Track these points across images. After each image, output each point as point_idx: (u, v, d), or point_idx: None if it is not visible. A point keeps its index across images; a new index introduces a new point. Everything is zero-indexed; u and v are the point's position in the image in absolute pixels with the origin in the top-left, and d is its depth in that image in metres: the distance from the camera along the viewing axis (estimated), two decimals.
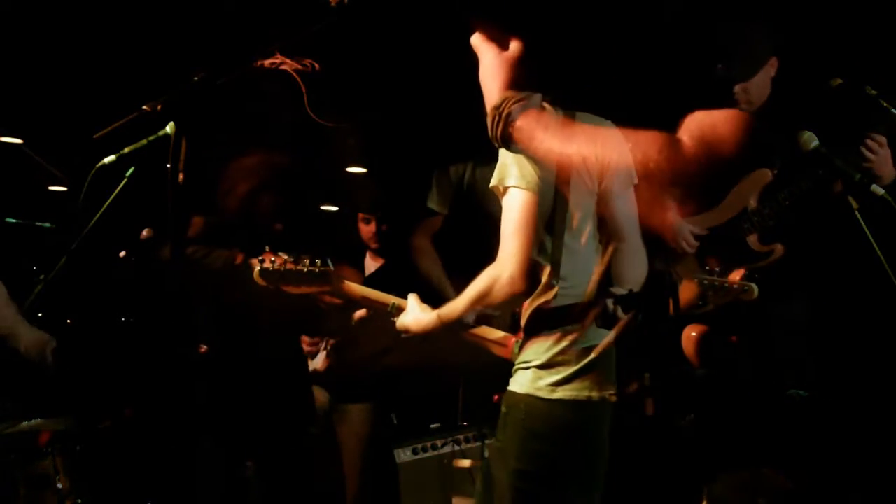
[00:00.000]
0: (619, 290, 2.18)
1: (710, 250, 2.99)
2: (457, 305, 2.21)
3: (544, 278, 2.15)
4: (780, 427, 3.01)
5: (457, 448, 3.90)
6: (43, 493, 3.06)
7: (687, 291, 2.65)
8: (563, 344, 2.13)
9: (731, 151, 1.05)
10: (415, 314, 2.36)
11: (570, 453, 2.12)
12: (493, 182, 2.12)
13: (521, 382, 2.17)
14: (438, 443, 3.91)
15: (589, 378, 2.12)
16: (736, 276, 2.85)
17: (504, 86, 1.29)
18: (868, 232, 2.39)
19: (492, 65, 1.29)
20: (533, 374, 2.14)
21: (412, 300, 2.41)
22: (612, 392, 2.13)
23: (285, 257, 2.77)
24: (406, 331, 2.38)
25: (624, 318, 2.16)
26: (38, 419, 3.17)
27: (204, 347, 3.33)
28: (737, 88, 2.74)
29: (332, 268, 2.63)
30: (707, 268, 2.63)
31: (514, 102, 1.26)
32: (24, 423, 3.14)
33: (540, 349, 2.16)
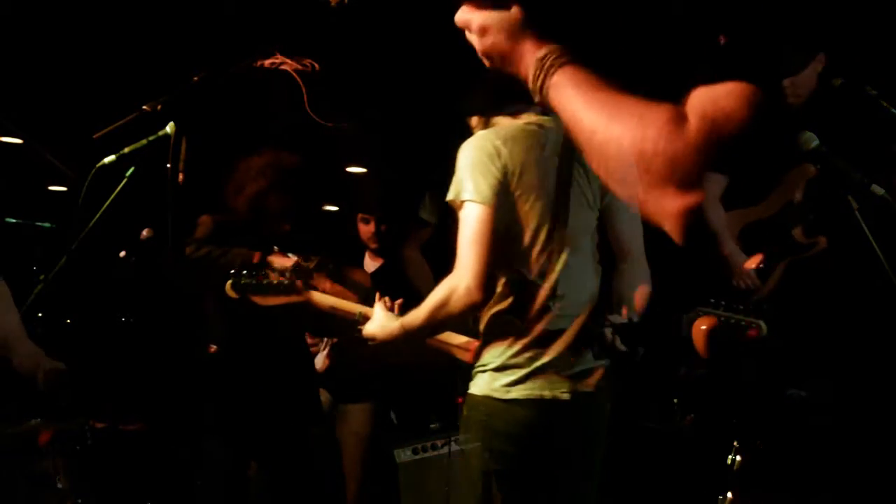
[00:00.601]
0: (618, 319, 2.23)
1: (755, 242, 2.99)
2: (418, 314, 2.27)
3: (499, 287, 2.22)
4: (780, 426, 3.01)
5: (457, 448, 3.90)
6: (43, 493, 3.06)
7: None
8: (516, 348, 2.21)
9: (738, 128, 0.94)
10: (380, 322, 2.43)
11: (532, 449, 2.20)
12: (449, 196, 2.22)
13: (479, 385, 2.25)
14: (438, 443, 3.91)
15: (541, 378, 2.20)
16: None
17: (538, 38, 1.15)
18: (868, 232, 2.39)
19: (508, 23, 1.16)
20: (490, 377, 2.23)
21: (378, 308, 2.49)
22: (563, 391, 2.20)
23: (294, 258, 2.83)
24: (373, 338, 2.44)
25: (582, 317, 2.25)
26: (39, 419, 3.16)
27: (213, 347, 3.33)
28: (786, 82, 2.74)
29: (322, 266, 2.71)
30: (712, 300, 2.58)
31: (558, 56, 1.13)
32: (30, 422, 3.13)
33: (495, 353, 2.24)
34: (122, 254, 3.23)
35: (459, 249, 2.17)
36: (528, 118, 2.35)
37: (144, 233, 3.07)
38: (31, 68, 5.08)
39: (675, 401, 4.28)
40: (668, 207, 0.96)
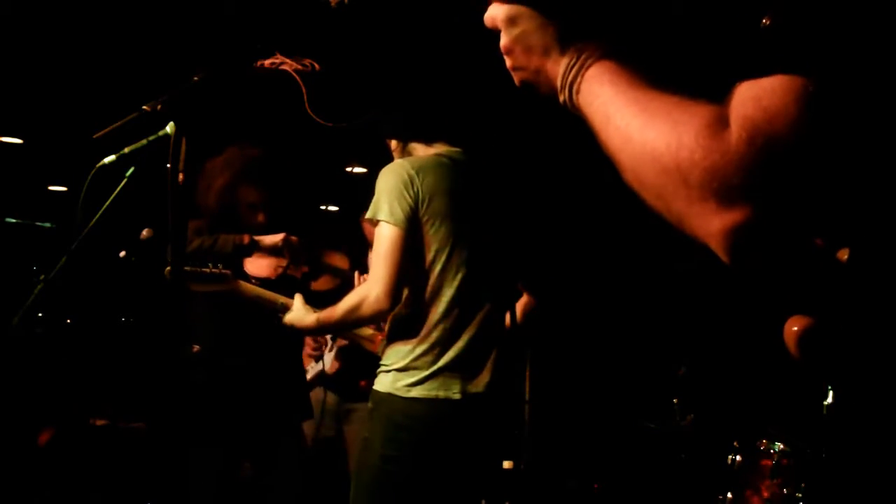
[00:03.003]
0: None
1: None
2: (333, 313, 2.61)
3: (403, 296, 2.54)
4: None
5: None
6: None
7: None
8: (417, 352, 2.53)
9: (786, 133, 0.80)
10: (298, 314, 2.76)
11: (426, 440, 2.52)
12: (367, 215, 2.54)
13: (383, 383, 2.57)
14: None
15: (437, 380, 2.52)
16: (844, 253, 2.83)
17: (570, 30, 1.03)
18: None
19: (539, 13, 1.04)
20: (393, 377, 2.54)
21: (297, 300, 2.79)
22: (455, 391, 2.52)
23: (283, 234, 3.04)
24: (291, 326, 2.77)
25: (474, 328, 2.56)
26: None
27: (196, 347, 3.32)
28: None
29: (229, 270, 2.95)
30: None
31: (595, 49, 0.99)
32: None
33: (398, 354, 2.56)
34: (122, 254, 3.23)
35: (373, 262, 2.51)
36: (439, 148, 2.67)
37: (144, 233, 3.07)
38: (31, 68, 5.09)
39: (675, 401, 4.28)
40: (711, 226, 0.83)
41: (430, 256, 2.56)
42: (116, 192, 2.69)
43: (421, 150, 2.71)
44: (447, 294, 2.56)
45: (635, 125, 0.89)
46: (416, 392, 2.52)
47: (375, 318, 2.64)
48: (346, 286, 3.32)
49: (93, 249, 2.69)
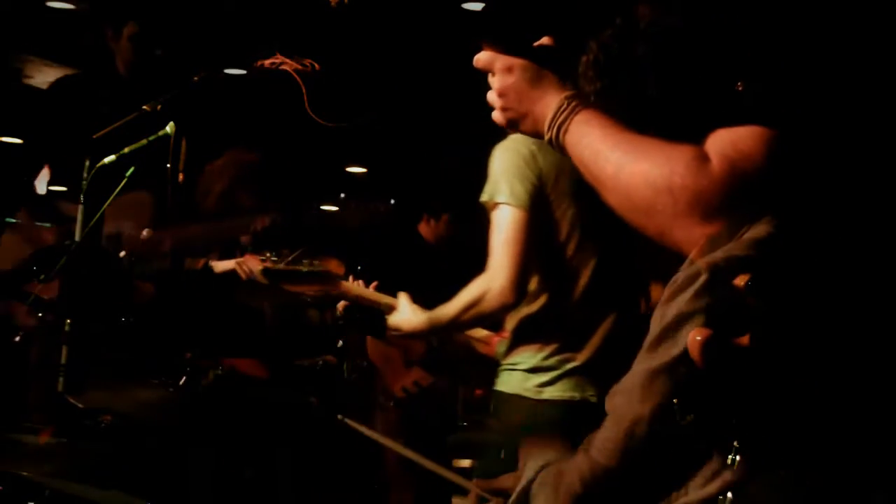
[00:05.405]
0: None
1: None
2: (448, 311, 2.31)
3: (530, 290, 2.25)
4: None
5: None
6: None
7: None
8: (548, 350, 2.26)
9: (757, 169, 1.06)
10: (405, 314, 2.44)
11: (557, 445, 2.25)
12: (483, 197, 2.26)
13: (509, 383, 2.30)
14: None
15: (571, 381, 2.25)
16: (741, 280, 2.84)
17: (559, 80, 1.23)
18: None
19: (533, 64, 1.24)
20: (521, 377, 2.28)
21: (403, 300, 2.48)
22: (592, 393, 2.25)
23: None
24: (397, 329, 2.47)
25: (611, 322, 2.28)
26: None
27: (189, 354, 3.31)
28: None
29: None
30: None
31: (583, 97, 1.20)
32: None
33: (527, 354, 2.28)
34: (122, 254, 3.23)
35: (493, 250, 2.21)
36: None
37: (144, 233, 3.06)
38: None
39: (675, 401, 4.29)
40: (693, 235, 1.06)
41: (558, 242, 2.26)
42: (116, 192, 2.69)
43: None
44: (579, 285, 2.27)
45: (628, 158, 1.12)
46: (548, 393, 2.25)
47: (499, 313, 2.31)
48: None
49: (93, 249, 2.69)
